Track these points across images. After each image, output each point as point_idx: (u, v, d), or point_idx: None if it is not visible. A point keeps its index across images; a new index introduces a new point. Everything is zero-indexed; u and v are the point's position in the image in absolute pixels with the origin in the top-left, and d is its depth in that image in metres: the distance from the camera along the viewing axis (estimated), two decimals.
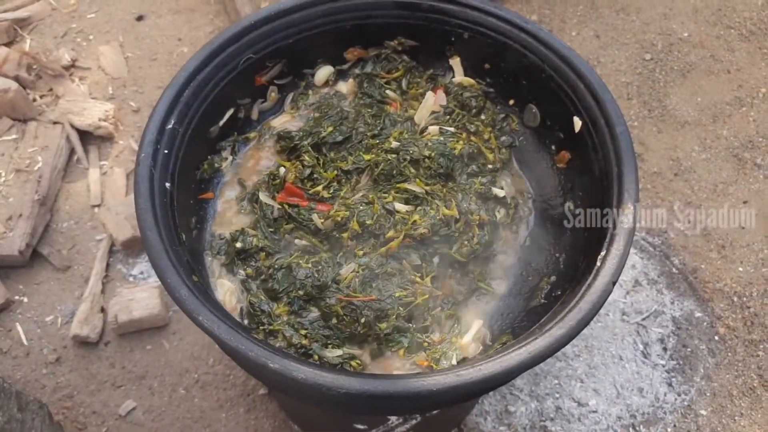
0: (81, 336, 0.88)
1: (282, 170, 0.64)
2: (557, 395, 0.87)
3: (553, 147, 0.68)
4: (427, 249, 0.62)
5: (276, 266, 0.60)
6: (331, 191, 0.64)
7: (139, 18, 1.19)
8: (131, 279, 0.94)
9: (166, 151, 0.57)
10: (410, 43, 0.71)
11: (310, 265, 0.60)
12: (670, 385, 0.89)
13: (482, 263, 0.63)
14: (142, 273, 0.95)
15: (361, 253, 0.61)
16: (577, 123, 0.61)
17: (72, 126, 1.04)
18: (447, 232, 0.62)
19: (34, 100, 1.07)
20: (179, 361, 0.89)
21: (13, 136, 1.02)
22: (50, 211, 0.98)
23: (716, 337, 0.93)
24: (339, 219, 0.62)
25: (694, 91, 1.13)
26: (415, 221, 0.62)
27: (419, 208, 0.63)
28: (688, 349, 0.91)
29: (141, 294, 0.90)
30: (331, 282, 0.59)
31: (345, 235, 0.62)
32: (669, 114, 1.11)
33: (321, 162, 0.64)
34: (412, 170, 0.65)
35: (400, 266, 0.60)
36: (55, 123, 1.04)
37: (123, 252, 0.96)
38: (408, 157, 0.64)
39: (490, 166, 0.69)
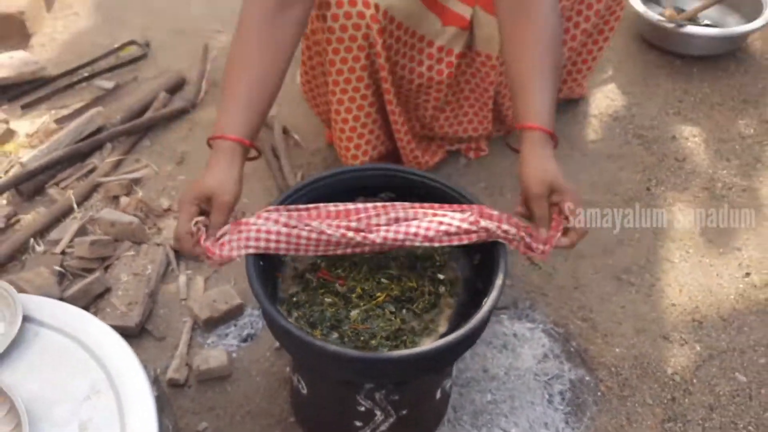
0: (174, 380, 1.32)
1: (319, 261, 1.13)
2: (489, 425, 1.29)
3: (476, 255, 1.18)
4: (398, 303, 1.09)
5: (314, 311, 1.07)
6: (346, 273, 1.12)
7: None
8: (206, 345, 1.40)
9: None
10: (391, 195, 1.23)
11: (333, 310, 1.06)
12: (566, 423, 1.30)
13: (431, 314, 1.09)
14: (213, 341, 1.40)
15: (362, 304, 1.07)
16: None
17: (170, 247, 1.55)
18: (410, 295, 1.09)
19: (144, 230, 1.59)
20: (237, 399, 1.31)
21: (132, 253, 1.52)
22: (154, 301, 1.46)
23: (599, 393, 1.36)
24: (350, 287, 1.10)
25: (590, 234, 1.64)
26: (392, 288, 1.09)
27: (395, 282, 1.11)
28: (580, 400, 1.34)
29: (213, 353, 1.35)
30: (345, 319, 1.05)
31: (353, 295, 1.06)
32: (572, 250, 1.62)
33: (340, 259, 1.14)
34: (393, 263, 1.14)
35: (383, 312, 1.07)
36: (158, 245, 1.55)
37: (202, 329, 1.42)
38: (390, 256, 1.13)
39: (437, 263, 1.18)
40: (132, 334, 1.37)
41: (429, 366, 1.01)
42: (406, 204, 1.08)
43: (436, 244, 1.04)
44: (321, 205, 1.07)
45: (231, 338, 1.39)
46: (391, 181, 1.18)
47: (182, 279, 1.49)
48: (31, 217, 1.62)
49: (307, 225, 1.00)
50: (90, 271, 1.48)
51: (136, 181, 1.70)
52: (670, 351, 1.41)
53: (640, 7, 2.08)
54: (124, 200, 1.62)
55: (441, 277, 1.12)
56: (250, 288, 0.99)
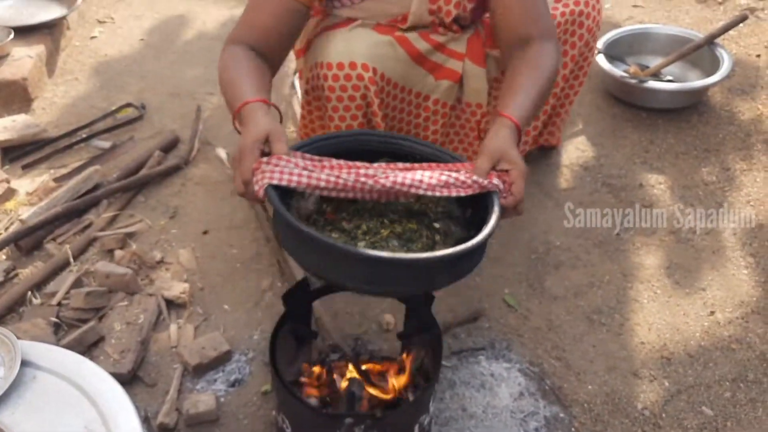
0: (164, 424, 1.36)
1: (324, 207, 1.14)
2: None
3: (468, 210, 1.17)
4: (401, 241, 1.11)
5: None
6: (350, 216, 1.13)
7: (205, 232, 1.83)
8: (196, 391, 1.45)
9: None
10: (390, 160, 1.18)
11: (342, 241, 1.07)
12: None
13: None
14: (202, 387, 1.45)
15: (367, 238, 1.09)
16: None
17: (162, 297, 1.62)
18: (410, 236, 1.11)
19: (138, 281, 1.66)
20: None
21: (125, 303, 1.59)
22: (146, 349, 1.52)
23: (573, 429, 1.41)
24: (356, 225, 1.11)
25: (563, 277, 1.73)
26: (395, 227, 1.12)
27: (397, 223, 1.13)
28: None
29: (202, 398, 1.40)
30: None
31: (359, 231, 1.10)
32: (546, 292, 1.70)
33: (345, 205, 1.14)
34: (391, 214, 1.14)
35: (387, 245, 1.08)
36: (150, 295, 1.62)
37: (191, 375, 1.48)
38: (390, 208, 1.14)
39: (432, 217, 1.16)
40: (124, 381, 1.42)
41: (432, 275, 1.05)
42: (408, 164, 1.15)
43: (437, 194, 1.09)
44: (333, 159, 1.13)
45: (219, 383, 1.45)
46: (391, 147, 1.23)
47: (173, 327, 1.56)
48: (29, 271, 1.69)
49: (324, 168, 1.09)
50: (85, 321, 1.55)
51: (131, 235, 1.78)
52: (640, 387, 1.47)
53: (606, 65, 2.22)
54: (118, 253, 1.70)
55: (437, 226, 1.16)
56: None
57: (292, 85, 2.30)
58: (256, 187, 1.04)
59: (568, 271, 1.74)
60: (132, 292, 1.62)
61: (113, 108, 2.22)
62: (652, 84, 2.18)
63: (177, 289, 1.63)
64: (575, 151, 2.09)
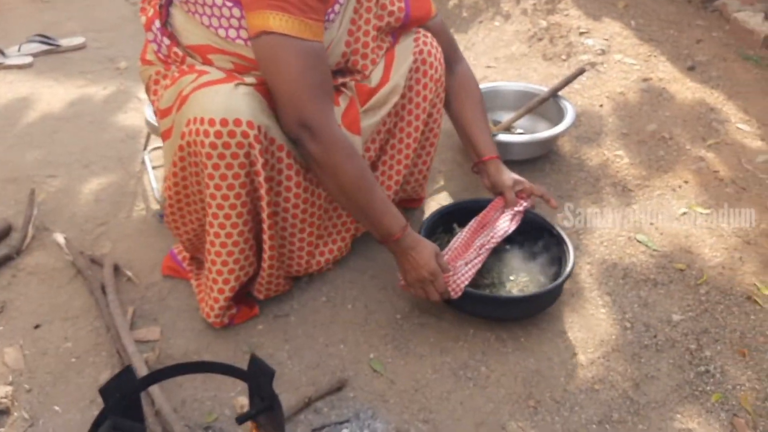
0: None
1: None
2: None
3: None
4: (515, 270, 1.74)
5: None
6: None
7: (37, 326, 1.64)
8: None
9: None
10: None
11: None
12: None
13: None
14: None
15: (507, 280, 1.74)
16: None
17: None
18: (512, 263, 1.76)
19: None
20: None
21: None
22: None
23: None
24: (489, 278, 1.73)
25: (428, 335, 1.67)
26: (503, 263, 1.77)
27: (499, 260, 1.75)
28: None
29: None
30: None
31: (494, 279, 1.74)
32: (412, 351, 1.62)
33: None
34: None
35: (519, 277, 1.74)
36: None
37: None
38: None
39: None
40: None
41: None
42: (479, 220, 1.70)
43: (513, 230, 1.65)
44: (453, 243, 1.67)
45: None
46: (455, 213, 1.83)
47: None
48: None
49: (462, 254, 1.63)
50: None
51: None
52: None
53: None
54: None
55: (507, 247, 1.79)
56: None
57: (143, 161, 2.19)
58: (453, 294, 1.54)
59: (433, 327, 1.69)
60: None
61: None
62: (504, 137, 2.24)
63: None
64: (437, 206, 2.09)
